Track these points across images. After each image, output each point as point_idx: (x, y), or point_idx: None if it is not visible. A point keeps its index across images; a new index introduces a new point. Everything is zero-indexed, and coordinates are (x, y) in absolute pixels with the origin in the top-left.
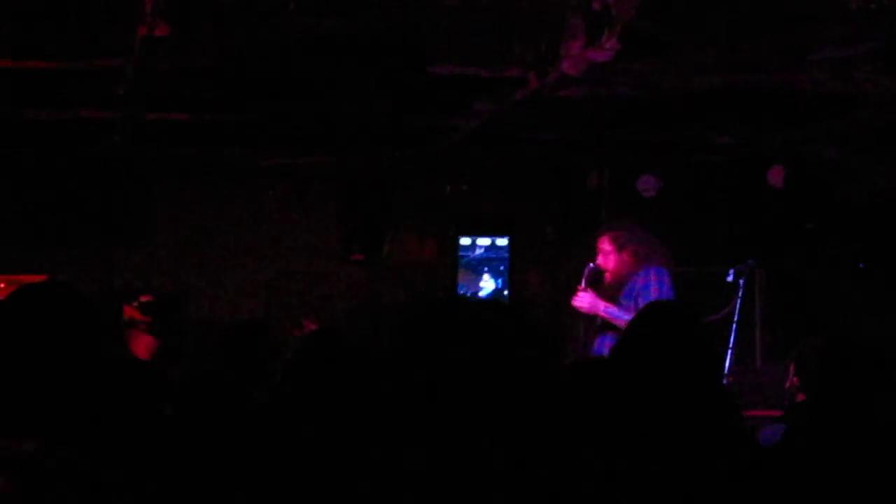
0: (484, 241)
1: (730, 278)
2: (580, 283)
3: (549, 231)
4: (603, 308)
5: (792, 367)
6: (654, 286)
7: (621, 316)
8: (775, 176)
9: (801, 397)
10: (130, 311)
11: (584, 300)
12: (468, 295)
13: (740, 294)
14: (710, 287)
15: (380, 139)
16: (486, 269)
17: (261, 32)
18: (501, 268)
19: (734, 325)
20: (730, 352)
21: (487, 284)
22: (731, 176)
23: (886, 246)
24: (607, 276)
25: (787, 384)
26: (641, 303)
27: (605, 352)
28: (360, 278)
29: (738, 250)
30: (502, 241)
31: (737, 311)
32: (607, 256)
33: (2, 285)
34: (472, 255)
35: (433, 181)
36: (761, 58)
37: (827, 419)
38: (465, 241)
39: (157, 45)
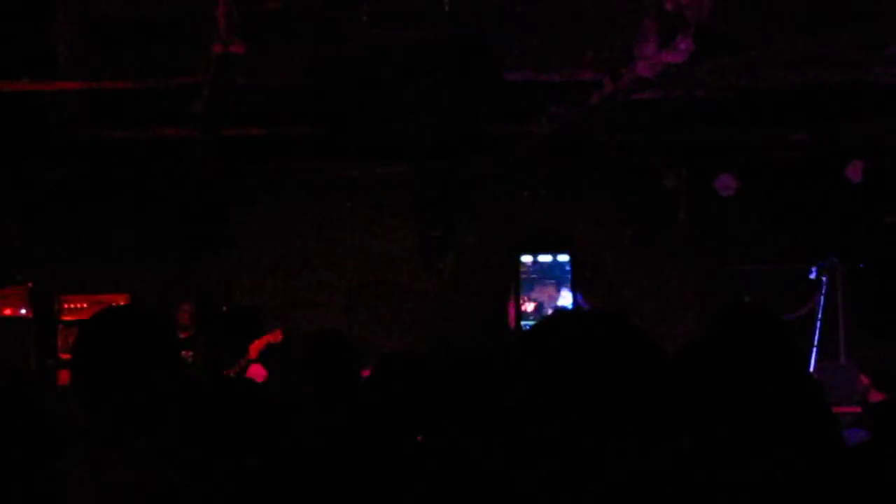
0: (545, 258)
1: (812, 275)
2: None
3: (628, 233)
4: None
5: (859, 368)
6: None
7: None
8: (853, 171)
9: (875, 397)
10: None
11: None
12: (559, 309)
13: (824, 291)
14: (790, 284)
15: (456, 147)
16: (558, 283)
17: (335, 45)
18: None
19: (818, 323)
20: (814, 349)
21: (566, 299)
22: (809, 172)
23: None
24: None
25: (859, 385)
26: None
27: None
28: (437, 287)
29: (817, 247)
30: (563, 258)
31: (821, 308)
32: None
33: (85, 305)
34: (538, 267)
35: (510, 188)
36: (836, 53)
37: None
38: (526, 258)
39: (233, 62)
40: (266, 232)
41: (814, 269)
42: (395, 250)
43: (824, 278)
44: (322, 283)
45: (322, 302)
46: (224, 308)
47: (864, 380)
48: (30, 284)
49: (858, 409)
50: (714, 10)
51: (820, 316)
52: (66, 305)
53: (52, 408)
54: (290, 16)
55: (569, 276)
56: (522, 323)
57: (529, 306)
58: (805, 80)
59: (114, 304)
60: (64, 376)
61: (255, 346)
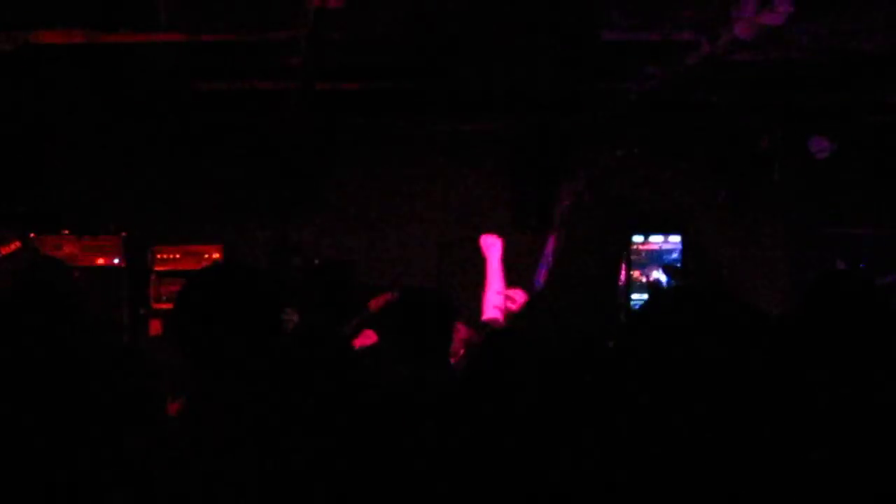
0: (657, 239)
1: None
2: None
3: (721, 194)
4: None
5: None
6: None
7: None
8: None
9: None
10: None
11: None
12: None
13: None
14: (883, 249)
15: (550, 105)
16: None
17: (432, 1)
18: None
19: None
20: None
21: (663, 275)
22: None
23: None
24: None
25: None
26: None
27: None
28: (535, 246)
29: None
30: (675, 238)
31: None
32: None
33: (177, 256)
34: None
35: (605, 147)
36: None
37: None
38: (637, 238)
39: (330, 17)
40: (357, 187)
41: None
42: (486, 207)
43: None
44: (412, 239)
45: (412, 258)
46: (316, 262)
47: None
48: (123, 234)
49: None
50: None
51: None
52: (158, 255)
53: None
54: None
55: (679, 258)
56: (633, 296)
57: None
58: None
59: (207, 255)
60: (155, 326)
61: (374, 304)
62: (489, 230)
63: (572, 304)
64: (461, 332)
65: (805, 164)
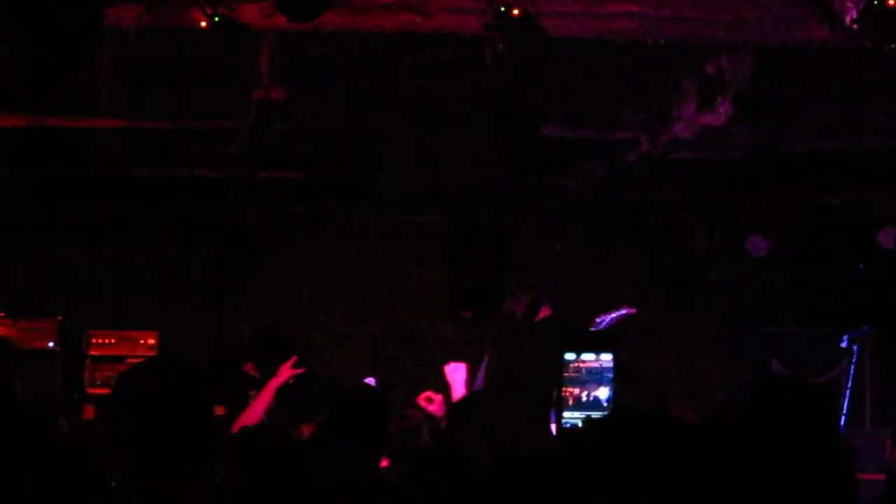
0: (588, 357)
1: (844, 344)
2: None
3: (660, 291)
4: None
5: (889, 440)
6: None
7: None
8: (885, 237)
9: None
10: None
11: None
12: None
13: (854, 360)
14: (820, 348)
15: (491, 198)
16: (599, 382)
17: (374, 94)
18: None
19: (847, 391)
20: (843, 417)
21: (603, 392)
22: (841, 237)
23: None
24: None
25: (889, 455)
26: None
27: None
28: (469, 338)
29: (847, 312)
30: (606, 357)
31: (851, 377)
32: None
33: (113, 340)
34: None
35: (542, 242)
36: (872, 120)
37: None
38: (569, 356)
39: (273, 107)
40: (296, 276)
41: (845, 337)
42: (425, 298)
43: (855, 347)
44: (350, 330)
45: (348, 348)
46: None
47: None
48: (59, 318)
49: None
50: (755, 73)
51: (850, 385)
52: (94, 340)
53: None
54: (331, 63)
55: (611, 375)
56: (564, 416)
57: (570, 400)
58: (841, 146)
59: (143, 341)
60: (89, 411)
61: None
62: (426, 322)
63: (503, 422)
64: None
65: (742, 261)
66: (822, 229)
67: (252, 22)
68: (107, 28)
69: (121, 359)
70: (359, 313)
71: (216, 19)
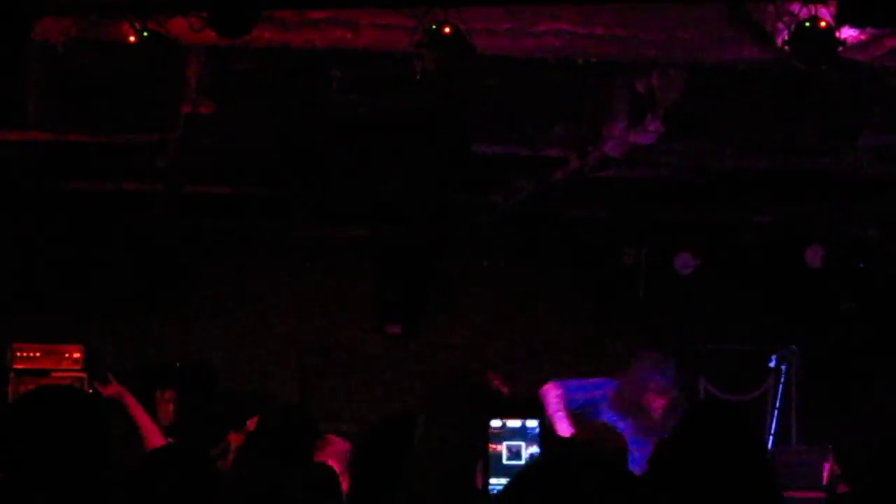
0: (514, 423)
1: (772, 364)
2: None
3: (587, 307)
4: None
5: (832, 456)
6: None
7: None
8: (813, 256)
9: (841, 488)
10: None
11: None
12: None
13: (783, 380)
14: (748, 366)
15: (419, 213)
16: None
17: (303, 109)
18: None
19: (776, 410)
20: (771, 436)
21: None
22: (769, 255)
23: None
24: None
25: (828, 472)
26: None
27: None
28: (397, 353)
29: (773, 329)
30: (532, 423)
31: (779, 397)
32: None
33: (38, 354)
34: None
35: (471, 257)
36: (801, 141)
37: None
38: (495, 423)
39: (200, 122)
40: (223, 289)
41: (773, 357)
42: (350, 312)
43: (783, 367)
44: (276, 345)
45: (274, 364)
46: (177, 364)
47: (836, 469)
48: None
49: (811, 494)
50: (685, 93)
51: (778, 405)
52: (18, 353)
53: None
54: (260, 78)
55: (537, 437)
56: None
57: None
58: (770, 166)
59: (68, 354)
60: None
61: (235, 439)
62: (354, 337)
63: (431, 490)
64: (335, 444)
65: (670, 280)
66: (750, 247)
67: (181, 36)
68: (34, 42)
69: (46, 372)
70: (286, 328)
71: (145, 34)
